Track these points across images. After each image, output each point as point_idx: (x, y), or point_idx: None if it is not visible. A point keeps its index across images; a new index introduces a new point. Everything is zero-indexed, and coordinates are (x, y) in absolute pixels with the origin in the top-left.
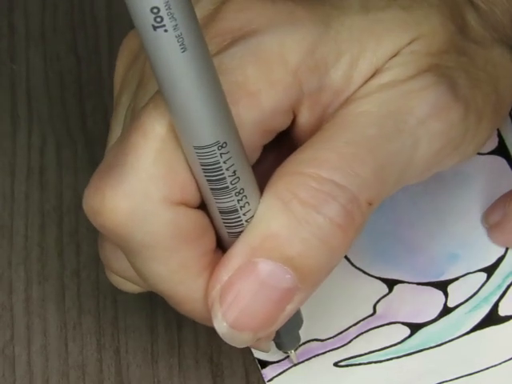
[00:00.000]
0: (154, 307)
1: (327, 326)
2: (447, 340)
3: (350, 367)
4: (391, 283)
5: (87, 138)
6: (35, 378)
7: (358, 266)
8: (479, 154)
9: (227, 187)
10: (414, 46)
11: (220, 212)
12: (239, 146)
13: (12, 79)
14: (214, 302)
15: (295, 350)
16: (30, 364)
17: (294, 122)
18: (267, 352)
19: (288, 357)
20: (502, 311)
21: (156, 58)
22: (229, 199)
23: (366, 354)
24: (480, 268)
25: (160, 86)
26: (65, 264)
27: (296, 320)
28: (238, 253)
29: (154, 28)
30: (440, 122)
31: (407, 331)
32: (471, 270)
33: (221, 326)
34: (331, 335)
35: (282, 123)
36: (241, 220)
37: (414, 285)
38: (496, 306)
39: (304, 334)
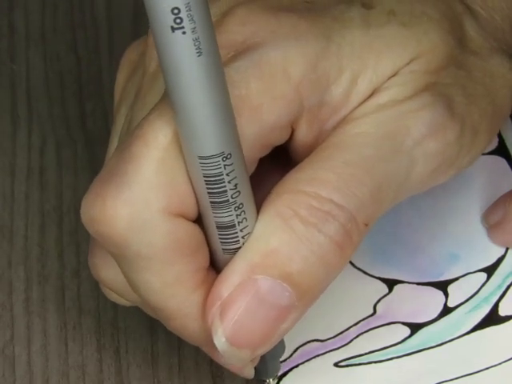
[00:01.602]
0: None
1: (327, 327)
2: (447, 340)
3: (350, 367)
4: (391, 283)
5: (87, 138)
6: (35, 378)
7: (358, 266)
8: None
9: (227, 201)
10: (413, 66)
11: (217, 227)
12: (242, 159)
13: (12, 79)
14: (214, 318)
15: (273, 380)
16: (30, 364)
17: (291, 136)
18: (250, 378)
19: (288, 358)
20: (502, 311)
21: (170, 61)
22: (228, 214)
23: (366, 354)
24: (480, 268)
25: (169, 90)
26: (65, 264)
27: (281, 345)
28: (237, 269)
29: (173, 29)
30: (436, 142)
31: (407, 331)
32: (471, 270)
33: (220, 343)
34: (331, 335)
35: (281, 137)
36: (237, 236)
37: (414, 285)
38: (496, 306)
39: (304, 334)
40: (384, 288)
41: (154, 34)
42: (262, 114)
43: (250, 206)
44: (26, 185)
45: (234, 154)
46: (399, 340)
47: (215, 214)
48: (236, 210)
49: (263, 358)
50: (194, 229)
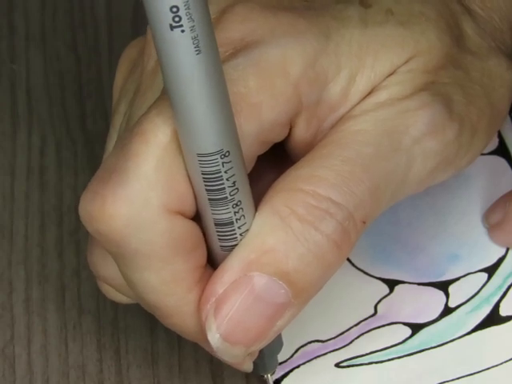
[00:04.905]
0: None
1: (328, 327)
2: (448, 340)
3: (351, 368)
4: (392, 283)
5: (87, 138)
6: (35, 378)
7: (358, 266)
8: None
9: (226, 198)
10: (411, 65)
11: (215, 224)
12: (240, 157)
13: (12, 79)
14: (208, 314)
15: (271, 375)
16: (30, 364)
17: (289, 133)
18: (249, 372)
19: (289, 358)
20: (503, 311)
21: (169, 59)
22: (226, 211)
23: (367, 354)
24: (481, 268)
25: (168, 88)
26: (65, 264)
27: (279, 341)
28: (233, 266)
29: (172, 28)
30: (435, 142)
31: (408, 331)
32: (472, 271)
33: (214, 339)
34: (332, 336)
35: (280, 135)
36: (235, 233)
37: (415, 285)
38: (497, 306)
39: (305, 334)
40: (385, 288)
41: (153, 32)
42: (261, 112)
43: (248, 204)
44: (26, 185)
45: (233, 151)
46: (400, 340)
47: (213, 211)
48: (234, 208)
49: (261, 353)
50: (193, 226)
